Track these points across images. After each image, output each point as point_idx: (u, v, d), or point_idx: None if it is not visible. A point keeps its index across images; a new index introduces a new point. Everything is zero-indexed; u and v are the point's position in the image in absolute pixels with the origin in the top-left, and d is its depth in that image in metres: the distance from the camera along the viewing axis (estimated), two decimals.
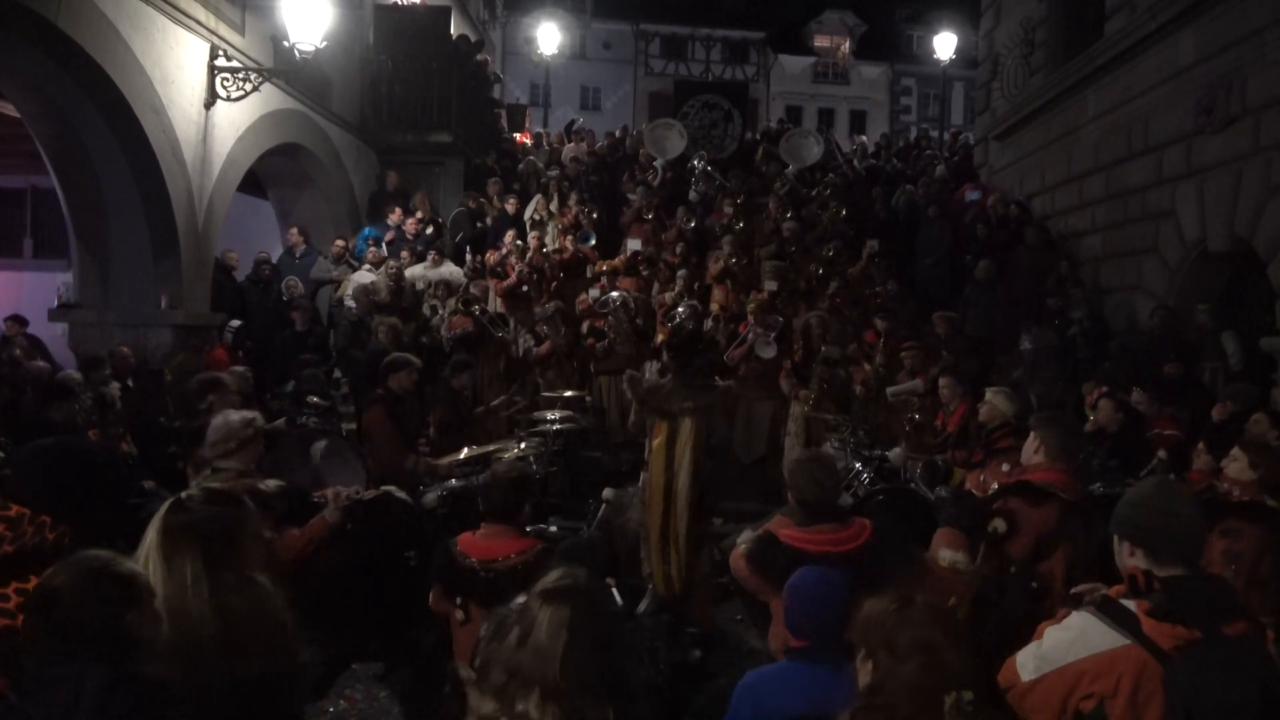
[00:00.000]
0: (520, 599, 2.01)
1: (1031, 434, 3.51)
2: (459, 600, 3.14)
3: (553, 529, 5.79)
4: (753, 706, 2.42)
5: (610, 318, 8.73)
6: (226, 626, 2.16)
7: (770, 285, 8.78)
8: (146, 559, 2.17)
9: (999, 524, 3.19)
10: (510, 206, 11.53)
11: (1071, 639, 2.23)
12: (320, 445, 4.89)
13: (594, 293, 9.48)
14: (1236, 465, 3.70)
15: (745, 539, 3.27)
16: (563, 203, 11.44)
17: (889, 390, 7.42)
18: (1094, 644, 2.17)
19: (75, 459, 2.50)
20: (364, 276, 9.79)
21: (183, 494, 2.32)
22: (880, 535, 3.08)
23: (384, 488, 4.30)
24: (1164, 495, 2.29)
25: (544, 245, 10.24)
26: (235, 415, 3.60)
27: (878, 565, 2.79)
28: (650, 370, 8.40)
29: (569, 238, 10.45)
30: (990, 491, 3.87)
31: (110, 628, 1.79)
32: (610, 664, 1.92)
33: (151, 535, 2.22)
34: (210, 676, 2.12)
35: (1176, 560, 2.20)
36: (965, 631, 2.23)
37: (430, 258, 10.17)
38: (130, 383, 7.26)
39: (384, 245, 10.70)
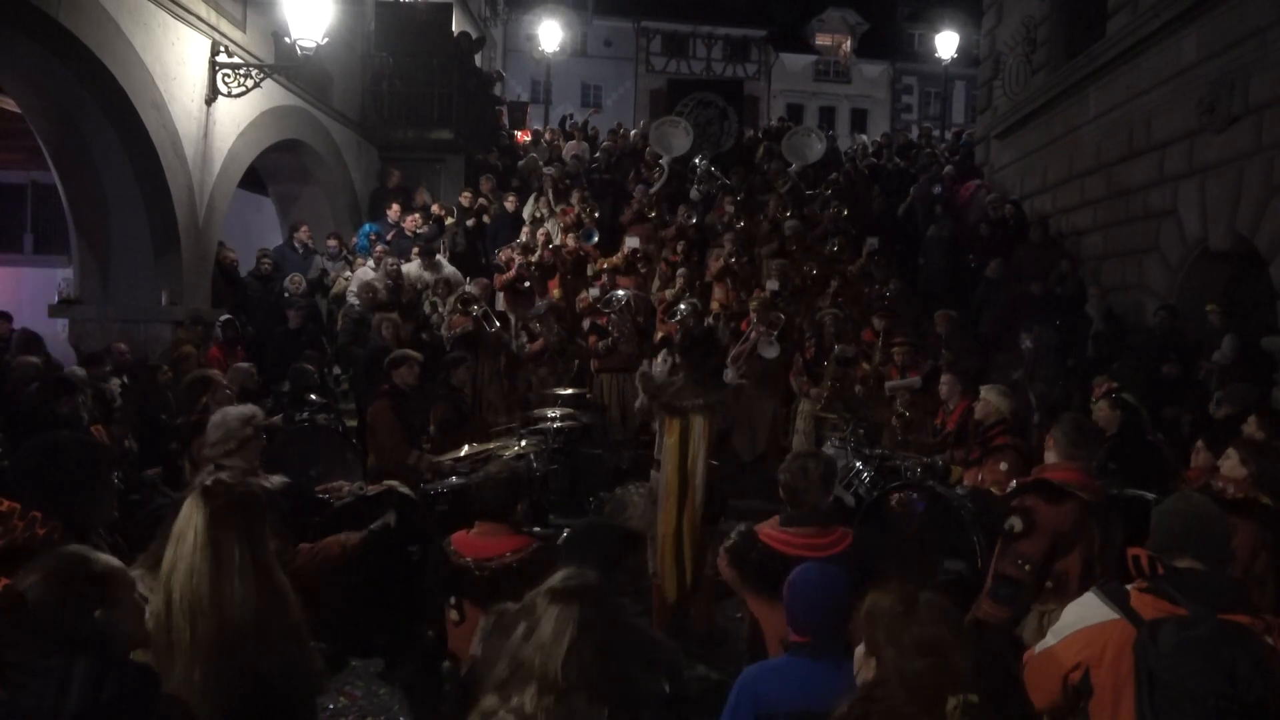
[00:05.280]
0: (529, 597, 2.00)
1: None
2: (453, 600, 3.12)
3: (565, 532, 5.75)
4: (753, 701, 2.42)
5: (614, 316, 8.72)
6: (256, 617, 2.17)
7: (772, 285, 8.76)
8: (192, 546, 2.16)
9: (1015, 522, 3.17)
10: (509, 204, 11.50)
11: (1073, 612, 2.40)
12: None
13: (594, 291, 9.46)
14: (1230, 463, 3.72)
15: (735, 534, 3.26)
16: (559, 200, 11.40)
17: (887, 385, 7.44)
18: (1089, 617, 2.34)
19: (68, 454, 2.49)
20: (366, 273, 9.75)
21: (207, 482, 2.30)
22: (861, 545, 3.05)
23: (386, 482, 4.30)
24: (1184, 501, 2.43)
25: (550, 241, 10.22)
26: (234, 412, 3.50)
27: (856, 573, 2.74)
28: (656, 366, 8.38)
29: (571, 235, 10.42)
30: (1009, 490, 3.88)
31: (84, 626, 1.78)
32: (614, 665, 1.91)
33: (198, 520, 2.18)
34: (236, 668, 2.12)
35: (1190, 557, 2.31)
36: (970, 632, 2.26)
37: (421, 259, 9.86)
38: (129, 379, 7.24)
39: (385, 241, 10.65)
